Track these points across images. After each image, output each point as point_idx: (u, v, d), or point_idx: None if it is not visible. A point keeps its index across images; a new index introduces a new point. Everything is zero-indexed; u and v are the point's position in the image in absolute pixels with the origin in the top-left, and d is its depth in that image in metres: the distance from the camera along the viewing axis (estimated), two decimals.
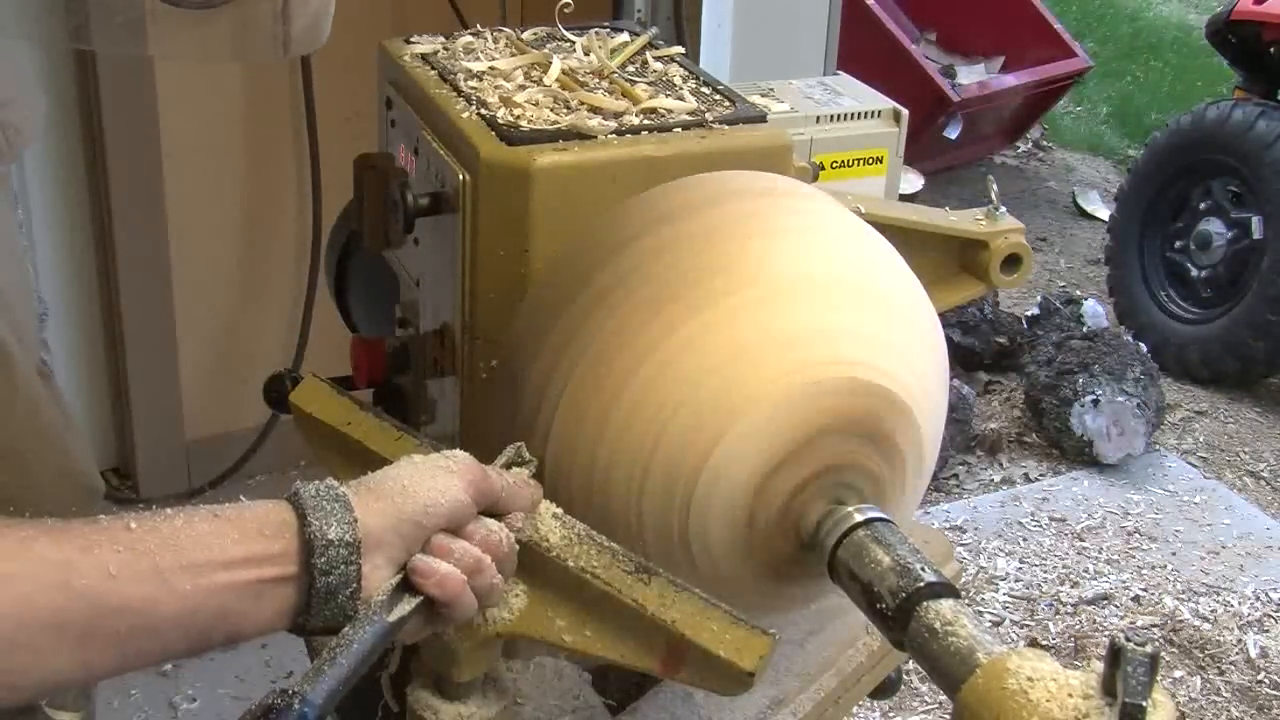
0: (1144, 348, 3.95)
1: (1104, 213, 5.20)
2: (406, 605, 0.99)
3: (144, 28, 1.15)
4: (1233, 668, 3.04)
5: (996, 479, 3.72)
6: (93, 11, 1.14)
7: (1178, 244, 4.39)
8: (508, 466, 1.12)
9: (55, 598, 0.86)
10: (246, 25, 1.17)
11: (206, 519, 0.93)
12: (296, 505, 0.96)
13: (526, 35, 1.48)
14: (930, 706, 2.87)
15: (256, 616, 0.94)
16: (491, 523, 1.04)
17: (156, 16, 1.13)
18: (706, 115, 1.30)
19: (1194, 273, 4.33)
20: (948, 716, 1.30)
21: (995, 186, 1.56)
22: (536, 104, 1.28)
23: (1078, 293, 4.55)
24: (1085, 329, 4.04)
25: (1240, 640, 3.12)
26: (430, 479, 1.02)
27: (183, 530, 0.92)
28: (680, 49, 1.48)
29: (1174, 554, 3.43)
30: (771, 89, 1.82)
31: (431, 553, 1.00)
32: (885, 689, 1.51)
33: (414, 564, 0.99)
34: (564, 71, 1.35)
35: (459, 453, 1.06)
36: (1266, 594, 3.29)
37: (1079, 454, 3.75)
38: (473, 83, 1.33)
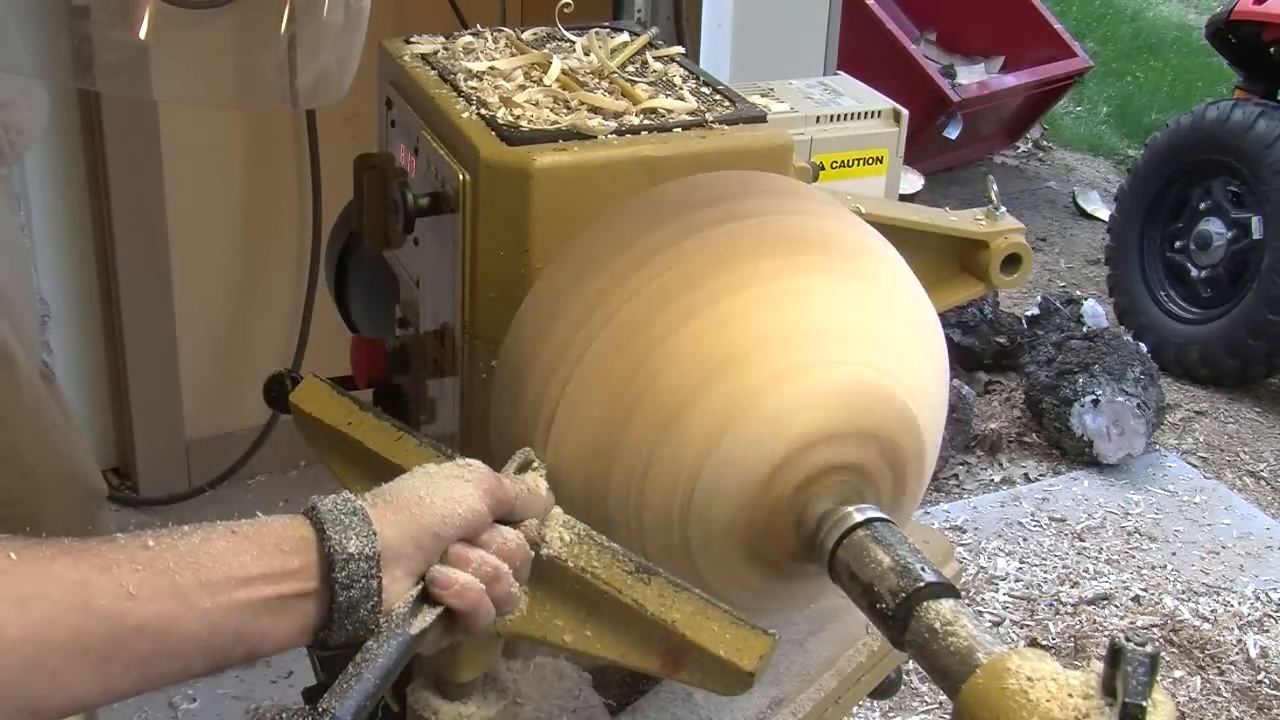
0: (1144, 348, 3.95)
1: (1104, 213, 5.21)
2: (427, 616, 0.99)
3: (148, 70, 1.15)
4: (1233, 668, 3.04)
5: (996, 479, 3.72)
6: (97, 53, 1.13)
7: (1178, 244, 4.39)
8: (518, 471, 1.12)
9: (75, 619, 0.85)
10: (250, 75, 1.16)
11: (224, 535, 0.93)
12: (314, 520, 0.96)
13: (526, 35, 1.47)
14: (930, 706, 2.87)
15: (277, 633, 0.94)
16: (508, 531, 1.04)
17: (160, 58, 1.13)
18: (706, 115, 1.30)
19: (1194, 273, 4.33)
20: (948, 716, 1.30)
21: (995, 186, 1.56)
22: (536, 104, 1.28)
23: (1078, 293, 4.55)
24: (1085, 329, 4.04)
25: (1240, 640, 3.12)
26: (447, 489, 1.02)
27: (201, 547, 0.91)
28: (680, 49, 1.48)
29: (1174, 554, 3.43)
30: (771, 89, 1.82)
31: (449, 563, 1.00)
32: (885, 689, 1.51)
33: (433, 575, 0.99)
34: (564, 71, 1.35)
35: (474, 462, 1.06)
36: (1266, 594, 3.29)
37: (1079, 454, 3.75)
38: (473, 83, 1.33)
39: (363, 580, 0.95)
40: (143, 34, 1.10)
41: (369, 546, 0.95)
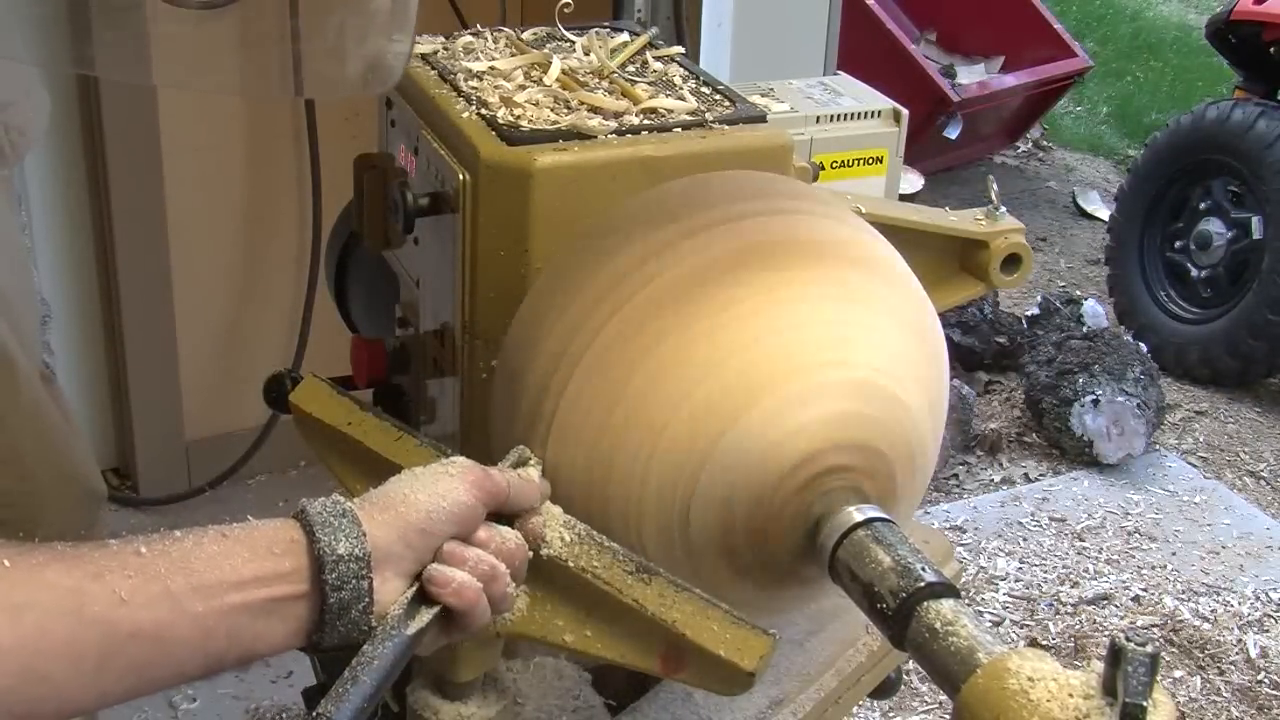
0: (1144, 348, 3.95)
1: (1104, 213, 5.21)
2: (424, 616, 0.99)
3: (148, 56, 1.14)
4: (1233, 668, 3.04)
5: (996, 479, 3.72)
6: (97, 38, 1.13)
7: (1178, 244, 4.39)
8: (514, 468, 1.11)
9: (68, 626, 0.85)
10: (251, 63, 1.16)
11: (215, 540, 0.93)
12: (304, 522, 0.96)
13: (526, 35, 1.47)
14: (930, 706, 2.87)
15: (270, 636, 0.94)
16: (506, 530, 1.04)
17: (162, 45, 1.12)
18: (706, 115, 1.30)
19: (1194, 273, 4.33)
20: (948, 716, 1.30)
21: (995, 186, 1.56)
22: (536, 104, 1.28)
23: (1078, 293, 4.55)
24: (1085, 329, 4.04)
25: (1240, 640, 3.12)
26: (431, 485, 1.02)
27: (192, 552, 0.91)
28: (680, 49, 1.48)
29: (1174, 554, 3.43)
30: (771, 89, 1.82)
31: (445, 561, 1.00)
32: (885, 689, 1.51)
33: (429, 573, 0.99)
34: (564, 71, 1.35)
35: (458, 458, 1.06)
36: (1266, 594, 3.29)
37: (1079, 454, 3.75)
38: (473, 83, 1.33)
39: (353, 581, 0.95)
40: (154, 25, 1.09)
41: (358, 548, 0.95)
